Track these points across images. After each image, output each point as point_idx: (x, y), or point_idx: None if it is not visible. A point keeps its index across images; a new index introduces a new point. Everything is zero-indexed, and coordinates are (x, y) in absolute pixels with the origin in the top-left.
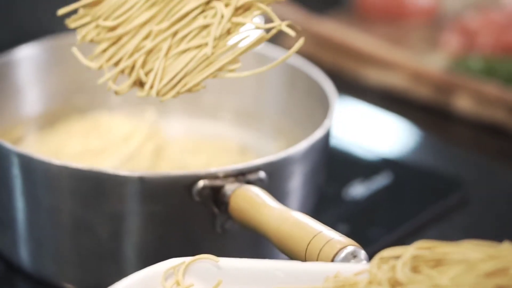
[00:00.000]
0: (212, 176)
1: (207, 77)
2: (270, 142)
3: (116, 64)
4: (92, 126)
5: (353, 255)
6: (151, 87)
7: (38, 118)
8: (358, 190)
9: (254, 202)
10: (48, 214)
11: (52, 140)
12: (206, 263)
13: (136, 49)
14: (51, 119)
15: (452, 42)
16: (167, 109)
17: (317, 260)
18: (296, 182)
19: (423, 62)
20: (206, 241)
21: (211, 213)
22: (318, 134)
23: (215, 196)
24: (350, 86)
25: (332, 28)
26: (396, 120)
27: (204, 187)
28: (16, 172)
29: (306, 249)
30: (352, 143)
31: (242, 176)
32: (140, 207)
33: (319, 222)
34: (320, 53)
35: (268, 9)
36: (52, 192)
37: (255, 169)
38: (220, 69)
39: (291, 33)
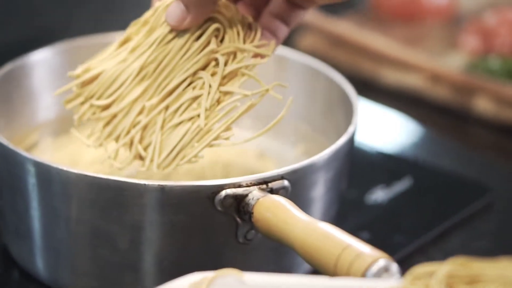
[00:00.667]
0: (235, 185)
1: (203, 148)
2: (289, 147)
3: (116, 140)
4: None
5: (385, 269)
6: (151, 160)
7: (53, 123)
8: (378, 195)
9: (279, 212)
10: (65, 224)
11: (68, 146)
12: (229, 278)
13: (132, 125)
14: (66, 124)
15: (470, 42)
16: None
17: (347, 274)
18: (319, 190)
19: (441, 63)
20: (228, 252)
21: (233, 223)
22: (341, 141)
23: (238, 206)
24: (367, 88)
25: (349, 28)
26: (414, 122)
27: (226, 196)
28: (33, 181)
29: (335, 262)
30: (370, 146)
31: (265, 184)
32: (160, 217)
33: (348, 234)
34: (337, 54)
35: (254, 74)
36: (70, 202)
37: (279, 177)
38: (215, 138)
39: (278, 97)
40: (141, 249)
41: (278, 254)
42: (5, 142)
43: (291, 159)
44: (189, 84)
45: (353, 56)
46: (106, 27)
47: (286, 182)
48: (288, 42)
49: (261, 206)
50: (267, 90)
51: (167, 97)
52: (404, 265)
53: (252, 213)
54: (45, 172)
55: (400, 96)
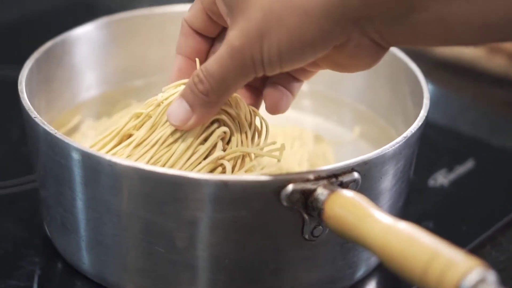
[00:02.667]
0: (303, 179)
1: None
2: (346, 129)
3: None
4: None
5: (482, 280)
6: None
7: (94, 104)
8: (439, 180)
9: (355, 210)
10: (116, 218)
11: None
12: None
13: None
14: (108, 105)
15: None
16: None
17: (436, 285)
18: (389, 182)
19: None
20: (292, 249)
21: (299, 219)
22: (413, 127)
23: (306, 201)
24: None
25: None
26: (469, 97)
27: (293, 191)
28: (80, 172)
29: (423, 271)
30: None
31: (335, 178)
32: (221, 214)
33: (436, 237)
34: None
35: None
36: (122, 195)
37: (349, 169)
38: None
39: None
40: (199, 247)
41: (345, 250)
42: (51, 129)
43: (348, 142)
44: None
45: None
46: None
47: (356, 175)
48: None
49: (333, 202)
50: (278, 161)
51: None
52: None
53: (323, 209)
54: (95, 164)
55: (452, 68)
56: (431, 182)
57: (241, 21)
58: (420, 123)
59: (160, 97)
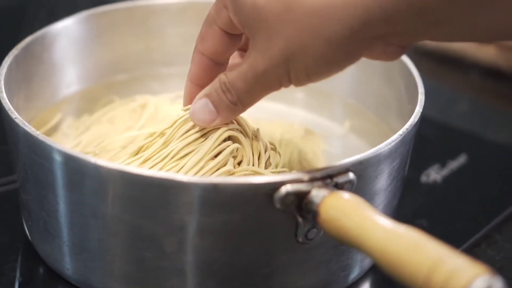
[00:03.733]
0: (296, 180)
1: None
2: (336, 123)
3: None
4: (138, 111)
5: (488, 287)
6: None
7: (75, 101)
8: (432, 176)
9: (352, 214)
10: (101, 222)
11: (93, 127)
12: None
13: None
14: (89, 101)
15: None
16: None
17: None
18: (384, 181)
19: None
20: (285, 252)
21: (293, 221)
22: (409, 124)
23: (300, 203)
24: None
25: None
26: (459, 89)
27: (287, 194)
28: (65, 175)
29: (425, 278)
30: None
31: (329, 179)
32: (212, 217)
33: (438, 241)
34: None
35: None
36: (108, 200)
37: (344, 170)
38: None
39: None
40: (189, 252)
41: (339, 252)
42: (33, 131)
43: (339, 136)
44: None
45: None
46: None
47: (351, 175)
48: None
49: (329, 205)
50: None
51: None
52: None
53: (318, 212)
54: (79, 166)
55: (439, 58)
56: (424, 178)
57: (263, 45)
58: (415, 120)
59: (176, 116)
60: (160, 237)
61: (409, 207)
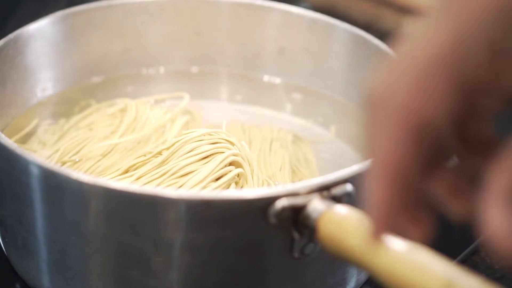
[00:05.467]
0: (292, 194)
1: None
2: (324, 128)
3: None
4: (117, 116)
5: None
6: None
7: (51, 105)
8: None
9: (354, 231)
10: (83, 240)
11: (71, 133)
12: None
13: None
14: (67, 106)
15: None
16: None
17: None
18: None
19: None
20: (280, 268)
21: (288, 236)
22: None
23: (296, 218)
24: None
25: None
26: None
27: (283, 209)
28: (44, 191)
29: None
30: None
31: (326, 191)
32: (203, 235)
33: (448, 262)
34: (356, 4)
35: None
36: (92, 217)
37: (342, 181)
38: None
39: None
40: (179, 270)
41: (336, 267)
42: (9, 143)
43: (327, 141)
44: None
45: (374, 6)
46: None
47: (350, 187)
48: None
49: (328, 221)
50: None
51: None
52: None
53: (316, 228)
54: (60, 182)
55: None
56: None
57: None
58: None
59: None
60: (147, 255)
61: None
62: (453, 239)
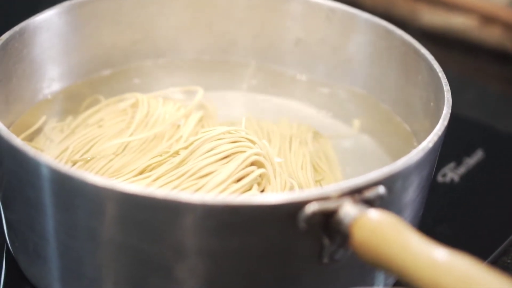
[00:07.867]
0: (322, 198)
1: None
2: (345, 123)
3: None
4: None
5: None
6: None
7: (58, 100)
8: (450, 174)
9: (392, 239)
10: (102, 248)
11: (79, 130)
12: None
13: None
14: (75, 102)
15: None
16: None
17: None
18: (413, 193)
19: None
20: (308, 274)
21: (318, 242)
22: (438, 129)
23: (326, 223)
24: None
25: None
26: (462, 74)
27: (313, 213)
28: (57, 194)
29: None
30: None
31: (358, 194)
32: (228, 241)
33: (492, 271)
34: None
35: None
36: (109, 223)
37: (374, 183)
38: None
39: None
40: (201, 279)
41: (365, 272)
42: (19, 143)
43: (348, 136)
44: None
45: None
46: None
47: (382, 189)
48: None
49: (363, 227)
50: None
51: None
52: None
53: (349, 234)
54: (75, 185)
55: (442, 39)
56: (440, 178)
57: None
58: (445, 123)
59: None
60: (168, 263)
61: (428, 212)
62: (482, 236)
